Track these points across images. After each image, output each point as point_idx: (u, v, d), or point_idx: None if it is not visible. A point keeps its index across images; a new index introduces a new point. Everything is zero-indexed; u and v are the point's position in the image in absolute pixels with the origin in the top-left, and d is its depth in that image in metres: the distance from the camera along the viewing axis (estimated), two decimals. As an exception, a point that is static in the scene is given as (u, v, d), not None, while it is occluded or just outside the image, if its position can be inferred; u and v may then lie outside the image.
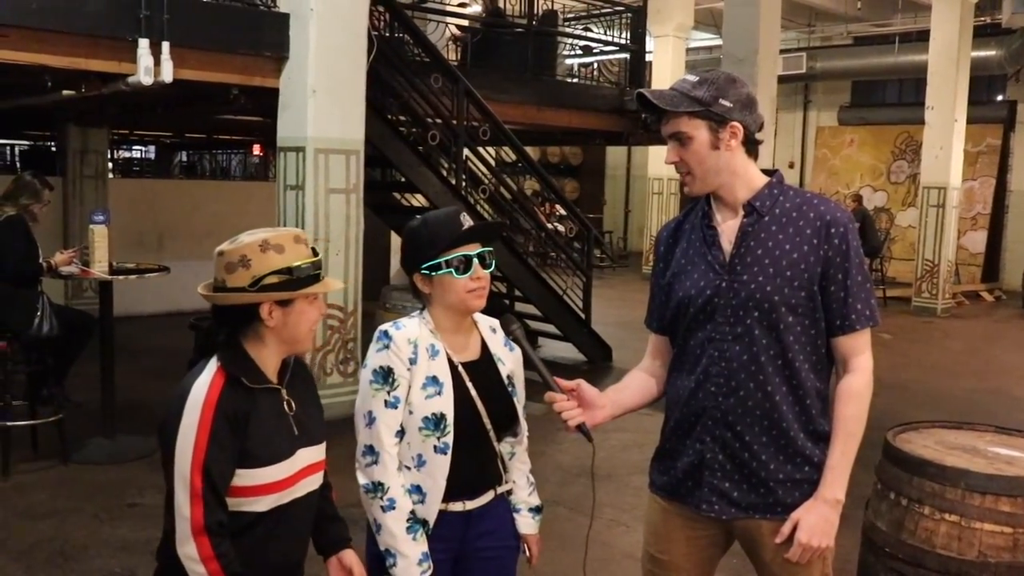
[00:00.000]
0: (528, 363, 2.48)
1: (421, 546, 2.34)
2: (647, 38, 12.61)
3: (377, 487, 2.34)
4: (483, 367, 2.47)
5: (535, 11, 10.75)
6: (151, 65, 6.03)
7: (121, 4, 5.98)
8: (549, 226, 10.24)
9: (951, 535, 2.90)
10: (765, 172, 2.41)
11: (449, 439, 2.35)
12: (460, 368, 2.41)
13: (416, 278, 2.44)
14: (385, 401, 2.35)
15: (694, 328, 2.40)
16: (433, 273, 2.38)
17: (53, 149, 16.85)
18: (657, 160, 16.63)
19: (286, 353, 2.20)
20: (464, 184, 8.55)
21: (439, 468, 2.35)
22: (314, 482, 2.24)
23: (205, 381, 2.05)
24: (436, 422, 2.35)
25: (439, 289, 2.40)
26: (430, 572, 2.34)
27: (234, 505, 2.06)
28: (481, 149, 9.12)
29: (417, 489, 2.37)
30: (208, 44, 6.54)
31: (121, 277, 6.05)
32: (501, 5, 11.02)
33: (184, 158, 26.44)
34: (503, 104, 9.43)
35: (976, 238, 17.00)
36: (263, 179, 20.79)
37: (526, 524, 2.59)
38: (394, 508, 2.33)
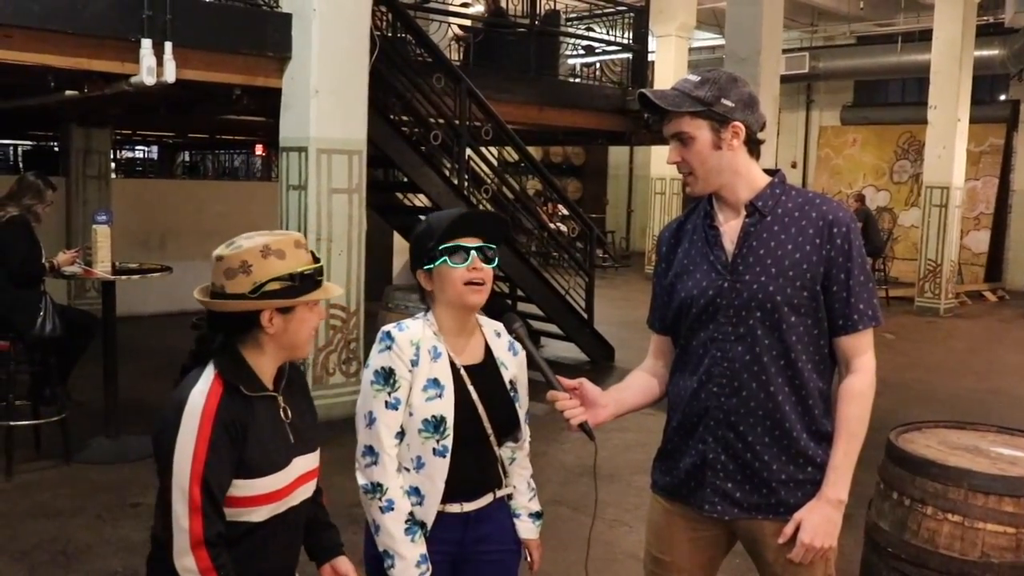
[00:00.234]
0: (531, 362, 2.48)
1: (419, 547, 2.34)
2: (649, 38, 12.61)
3: (376, 488, 2.34)
4: (486, 371, 2.46)
5: (537, 11, 10.75)
6: (154, 65, 6.03)
7: (124, 4, 5.99)
8: (552, 226, 10.24)
9: (954, 535, 2.90)
10: (767, 172, 2.41)
11: (448, 442, 2.35)
12: (462, 371, 2.41)
13: (420, 276, 2.44)
14: (386, 402, 2.35)
15: (696, 328, 2.40)
16: (433, 265, 2.38)
17: (56, 149, 16.85)
18: (659, 160, 16.63)
19: (284, 359, 2.17)
20: (466, 184, 8.55)
21: (438, 471, 2.35)
22: (308, 490, 2.22)
23: (203, 390, 2.01)
24: (436, 425, 2.34)
25: (439, 283, 2.39)
26: (428, 573, 2.33)
27: (232, 515, 2.03)
28: (483, 149, 9.12)
29: (416, 491, 2.37)
30: (211, 44, 6.54)
31: (124, 277, 6.05)
32: (503, 5, 11.02)
33: (187, 158, 26.44)
34: (505, 104, 9.43)
35: (979, 238, 16.99)
36: (266, 179, 20.82)
37: (526, 529, 2.58)
38: (393, 509, 2.33)
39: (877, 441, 2.82)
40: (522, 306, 9.45)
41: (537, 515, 2.60)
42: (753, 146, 2.36)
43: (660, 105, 2.30)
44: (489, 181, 9.09)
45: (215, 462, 1.96)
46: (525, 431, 2.54)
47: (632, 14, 11.91)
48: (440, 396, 2.36)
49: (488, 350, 2.50)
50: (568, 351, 9.31)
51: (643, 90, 2.38)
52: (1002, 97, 17.42)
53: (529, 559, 2.60)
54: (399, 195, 9.93)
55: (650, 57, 12.99)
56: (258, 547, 2.10)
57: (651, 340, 2.64)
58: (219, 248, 2.08)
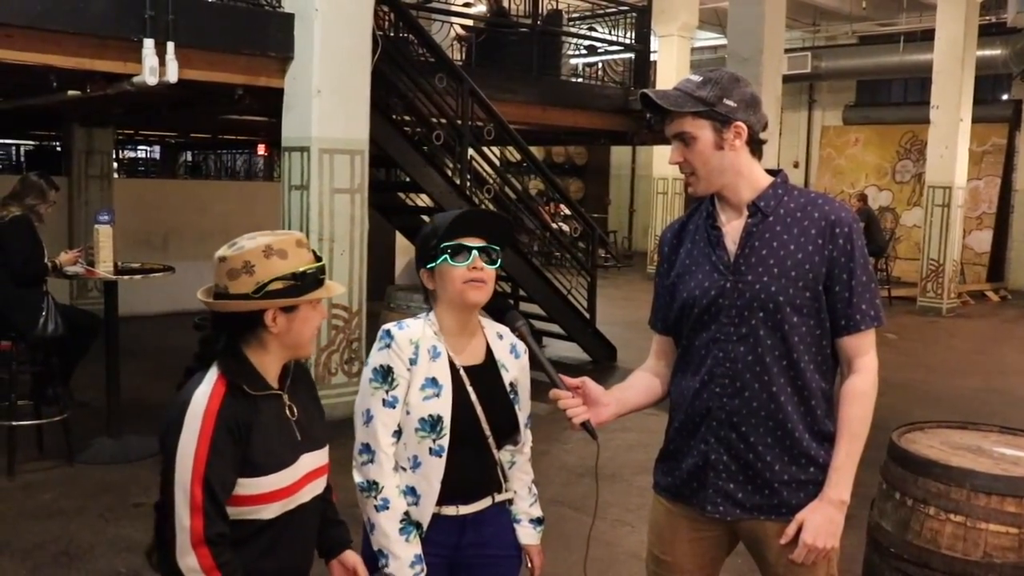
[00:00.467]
0: (534, 360, 2.47)
1: (414, 548, 2.33)
2: (651, 38, 12.61)
3: (372, 486, 2.34)
4: (486, 372, 2.45)
5: (539, 11, 10.75)
6: (156, 65, 6.04)
7: (126, 4, 5.99)
8: (554, 226, 10.25)
9: (956, 535, 2.89)
10: (769, 172, 2.40)
11: (445, 442, 2.34)
12: (462, 371, 2.40)
13: (423, 274, 2.44)
14: (383, 400, 2.35)
15: (699, 329, 2.39)
16: (435, 263, 2.38)
17: (58, 149, 16.86)
18: (662, 160, 16.64)
19: (288, 358, 2.18)
20: (469, 184, 8.56)
21: (434, 471, 2.34)
22: (318, 487, 2.23)
23: (205, 391, 2.02)
24: (432, 424, 2.34)
25: (440, 281, 2.39)
26: (423, 574, 2.33)
27: (241, 514, 2.04)
28: (486, 149, 9.12)
29: (412, 491, 2.37)
30: (213, 44, 6.54)
31: (126, 277, 6.06)
32: (506, 5, 11.02)
33: (189, 158, 26.46)
34: (508, 104, 9.43)
35: (981, 238, 16.98)
36: (268, 179, 20.83)
37: (527, 535, 2.56)
38: (388, 508, 2.33)
39: (879, 441, 2.82)
40: (524, 306, 9.44)
41: (538, 521, 2.58)
42: (755, 146, 2.36)
43: (662, 105, 2.30)
44: (491, 181, 9.09)
45: (217, 462, 1.97)
46: (526, 435, 2.53)
47: (634, 14, 11.91)
48: (438, 395, 2.35)
49: (489, 351, 2.49)
50: (570, 351, 9.31)
51: (645, 90, 2.38)
52: (1004, 97, 17.40)
53: (530, 565, 2.58)
54: (401, 195, 9.93)
55: (652, 57, 12.99)
56: (269, 545, 2.11)
57: (653, 340, 2.64)
58: (221, 249, 2.09)
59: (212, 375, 2.06)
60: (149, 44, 6.01)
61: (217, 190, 14.81)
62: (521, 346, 2.53)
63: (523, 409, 2.50)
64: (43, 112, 10.12)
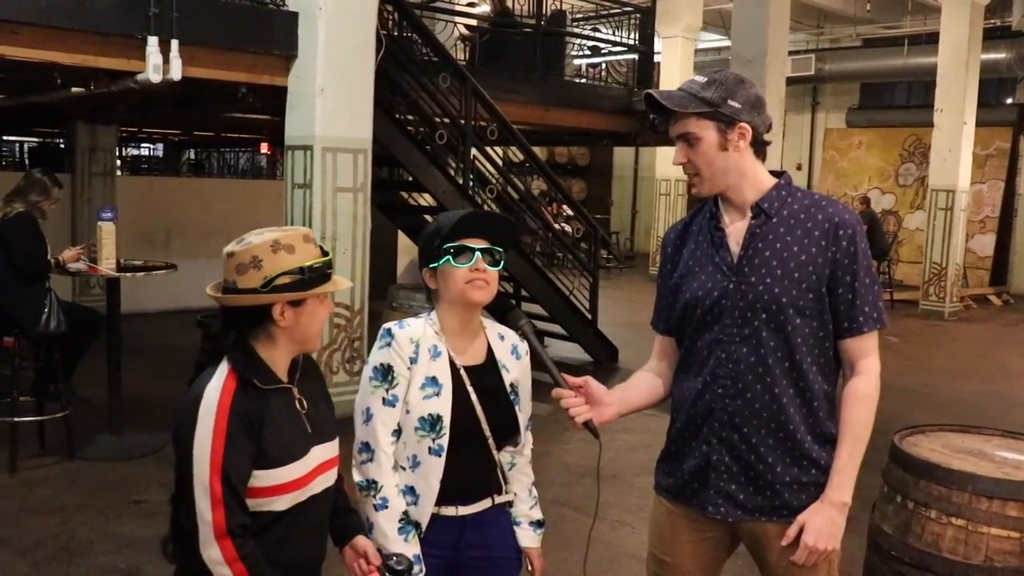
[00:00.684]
0: (537, 360, 2.46)
1: (413, 547, 2.33)
2: (655, 39, 12.61)
3: (371, 485, 2.34)
4: (486, 372, 2.45)
5: (543, 11, 10.75)
6: (160, 63, 6.04)
7: (131, 2, 5.99)
8: (556, 226, 10.25)
9: (958, 539, 2.89)
10: (773, 174, 2.40)
11: (444, 441, 2.34)
12: (462, 371, 2.40)
13: (425, 274, 2.44)
14: (383, 399, 2.35)
15: (701, 330, 2.39)
16: (437, 263, 2.38)
17: (62, 146, 16.88)
18: (665, 161, 16.65)
19: (296, 352, 2.20)
20: (471, 184, 8.56)
21: (433, 470, 2.34)
22: (330, 478, 2.25)
23: (217, 385, 2.05)
24: (432, 423, 2.34)
25: (442, 281, 2.39)
26: (422, 575, 2.32)
27: (254, 505, 2.07)
28: (488, 149, 9.12)
29: (411, 490, 2.37)
30: (217, 42, 6.55)
31: (128, 274, 6.07)
32: (510, 5, 11.02)
33: (192, 156, 26.45)
34: (511, 104, 9.43)
35: (984, 241, 16.96)
36: (271, 177, 20.83)
37: (527, 537, 2.55)
38: (387, 507, 2.33)
39: (881, 444, 2.82)
40: (526, 306, 9.44)
41: (538, 523, 2.58)
42: (759, 147, 2.36)
43: (667, 106, 2.30)
44: (494, 181, 9.09)
45: (233, 454, 2.00)
46: (526, 437, 2.53)
47: (638, 15, 11.91)
48: (438, 395, 2.35)
49: (490, 352, 2.49)
50: (572, 351, 9.31)
51: (650, 91, 2.38)
52: (1009, 100, 17.38)
53: (530, 568, 2.57)
54: (404, 194, 9.93)
55: (656, 58, 12.99)
56: (283, 536, 2.13)
57: (655, 341, 2.64)
58: (230, 245, 2.12)
59: (223, 370, 2.08)
60: (153, 42, 6.01)
61: (220, 188, 14.81)
62: (522, 347, 2.53)
63: (523, 410, 2.50)
64: (47, 109, 10.13)
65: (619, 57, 12.43)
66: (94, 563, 4.42)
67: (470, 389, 2.39)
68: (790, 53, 13.49)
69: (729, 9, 12.01)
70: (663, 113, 2.34)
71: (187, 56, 6.20)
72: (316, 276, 2.11)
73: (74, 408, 6.03)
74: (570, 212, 10.69)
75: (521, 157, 9.73)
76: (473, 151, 8.63)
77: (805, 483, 2.34)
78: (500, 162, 9.76)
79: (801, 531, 2.30)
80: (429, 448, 2.34)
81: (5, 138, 22.08)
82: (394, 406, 2.35)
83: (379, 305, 8.05)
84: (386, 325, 2.42)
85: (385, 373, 2.35)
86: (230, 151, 25.48)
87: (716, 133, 2.30)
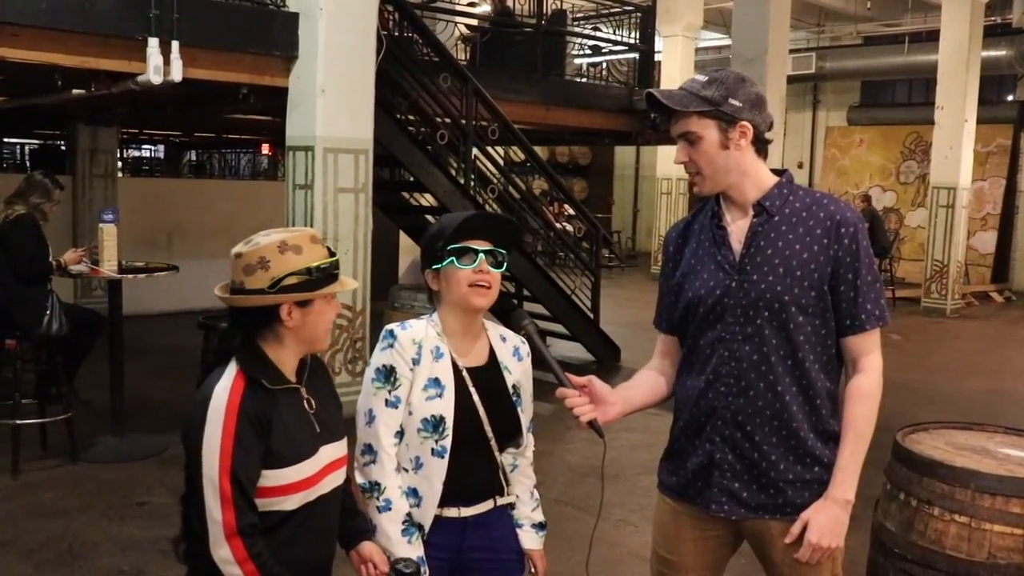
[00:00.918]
0: (540, 359, 2.46)
1: (416, 549, 2.33)
2: (656, 38, 12.60)
3: (374, 487, 2.34)
4: (488, 374, 2.45)
5: (544, 11, 10.75)
6: (161, 64, 6.04)
7: (131, 3, 6.00)
8: (558, 226, 10.25)
9: (961, 536, 2.89)
10: (774, 172, 2.40)
11: (447, 442, 2.34)
12: (464, 373, 2.40)
13: (428, 275, 2.44)
14: (386, 400, 2.35)
15: (704, 328, 2.39)
16: (440, 265, 2.38)
17: (63, 148, 16.88)
18: (666, 160, 16.64)
19: (304, 352, 2.21)
20: (473, 183, 8.56)
21: (436, 472, 2.34)
22: (338, 477, 2.26)
23: (226, 386, 2.06)
24: (435, 424, 2.34)
25: (445, 283, 2.39)
26: None
27: (264, 505, 2.08)
28: (490, 148, 9.12)
29: (414, 492, 2.37)
30: (218, 43, 6.55)
31: (130, 276, 6.07)
32: (510, 5, 11.02)
33: (193, 157, 26.47)
34: (512, 104, 9.43)
35: (986, 238, 16.96)
36: (272, 178, 20.83)
37: (529, 539, 2.55)
38: (390, 509, 2.33)
39: (883, 442, 2.82)
40: (528, 306, 9.44)
41: (540, 525, 2.58)
42: (760, 146, 2.36)
43: (668, 105, 2.30)
44: (495, 181, 9.09)
45: (242, 454, 2.01)
46: (528, 439, 2.53)
47: (639, 14, 11.92)
48: (440, 396, 2.35)
49: (492, 353, 2.49)
50: (574, 351, 9.31)
51: (651, 90, 2.39)
52: (1009, 98, 17.38)
53: (533, 570, 2.57)
54: (405, 194, 9.93)
55: (657, 57, 12.99)
56: (292, 535, 2.14)
57: (657, 340, 2.64)
58: (237, 246, 2.13)
59: (231, 370, 2.09)
60: (154, 43, 6.02)
61: (221, 189, 14.82)
62: (524, 349, 2.53)
63: (525, 412, 2.50)
64: (48, 111, 10.14)
65: (620, 56, 12.43)
66: (97, 565, 4.42)
67: (472, 390, 2.39)
68: (791, 51, 13.47)
69: (730, 8, 12.00)
70: (664, 112, 2.34)
71: (188, 57, 6.20)
72: (323, 276, 2.12)
73: (76, 410, 6.03)
74: (571, 211, 10.68)
75: (522, 157, 9.74)
76: (474, 151, 8.63)
77: (808, 480, 2.34)
78: (501, 162, 9.76)
79: (805, 529, 2.30)
80: (432, 449, 2.34)
81: (6, 140, 22.10)
82: (396, 407, 2.35)
83: (381, 306, 8.05)
84: (388, 327, 2.42)
85: (387, 374, 2.35)
86: (231, 152, 25.51)
87: (717, 132, 2.30)
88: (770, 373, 2.31)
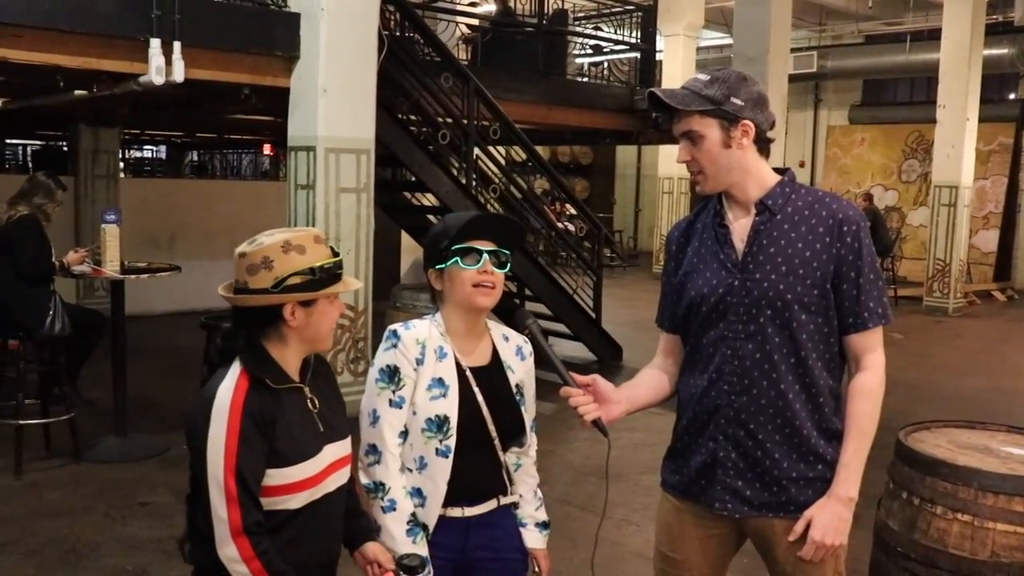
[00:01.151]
0: (544, 358, 2.46)
1: (421, 549, 2.33)
2: (657, 37, 12.60)
3: (378, 487, 2.34)
4: (492, 373, 2.45)
5: (545, 10, 10.75)
6: (162, 65, 6.04)
7: (133, 4, 6.00)
8: (559, 225, 10.25)
9: (964, 535, 2.89)
10: (776, 171, 2.41)
11: (451, 442, 2.34)
12: (468, 372, 2.40)
13: (431, 275, 2.44)
14: (390, 400, 2.35)
15: (706, 327, 2.40)
16: (444, 265, 2.38)
17: (65, 149, 16.91)
18: (667, 159, 16.63)
19: (307, 352, 2.22)
20: (474, 183, 8.56)
21: (440, 472, 2.35)
22: (342, 477, 2.26)
23: (229, 385, 2.07)
24: (439, 424, 2.34)
25: (449, 283, 2.39)
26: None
27: (269, 504, 2.09)
28: (491, 148, 9.12)
29: (418, 492, 2.37)
30: (219, 44, 6.55)
31: (132, 276, 6.07)
32: (511, 4, 11.02)
33: (195, 158, 26.50)
34: (513, 103, 9.43)
35: (988, 237, 16.95)
36: (274, 179, 20.85)
37: (533, 539, 2.55)
38: (395, 509, 2.33)
39: (886, 441, 2.82)
40: (530, 305, 9.44)
41: (544, 525, 2.58)
42: (762, 145, 2.36)
43: (670, 104, 2.30)
44: (497, 180, 9.09)
45: (247, 453, 2.02)
46: (531, 438, 2.53)
47: (640, 13, 11.91)
48: (444, 396, 2.35)
49: (495, 353, 2.49)
50: (576, 350, 9.31)
51: (653, 89, 2.38)
52: (1011, 96, 17.37)
53: (537, 569, 2.57)
54: (407, 194, 9.94)
55: (658, 56, 12.99)
56: (297, 534, 2.15)
57: (660, 339, 2.64)
58: (241, 245, 2.14)
59: (235, 370, 2.10)
60: (155, 44, 6.02)
61: (223, 190, 14.83)
62: (527, 348, 2.53)
63: (528, 411, 2.50)
64: (50, 112, 10.15)
65: (621, 56, 12.42)
66: (100, 565, 4.42)
67: (476, 390, 2.39)
68: (792, 50, 13.47)
69: (731, 7, 12.00)
70: (666, 111, 2.34)
71: (189, 58, 6.20)
72: (327, 276, 2.12)
73: (79, 410, 6.04)
74: (573, 211, 10.68)
75: (524, 156, 9.73)
76: (476, 151, 8.63)
77: (811, 478, 2.34)
78: (503, 161, 9.76)
79: (808, 526, 2.30)
80: (436, 449, 2.34)
81: (8, 141, 22.14)
82: (400, 407, 2.35)
83: (383, 305, 8.05)
84: (391, 327, 2.42)
85: (391, 374, 2.36)
86: (233, 153, 25.54)
87: (719, 131, 2.30)
88: (773, 371, 2.31)
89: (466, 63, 9.73)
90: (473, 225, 2.36)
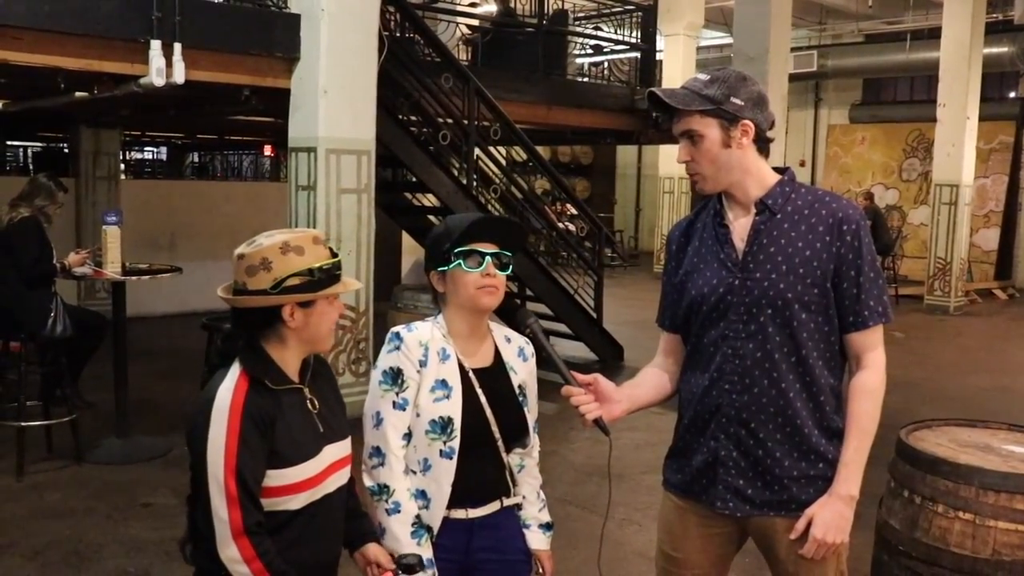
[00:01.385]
0: (545, 357, 2.47)
1: (425, 551, 2.33)
2: (657, 37, 12.60)
3: (383, 489, 2.34)
4: (494, 375, 2.45)
5: (545, 10, 10.75)
6: (163, 66, 6.05)
7: (133, 6, 6.01)
8: (560, 225, 10.25)
9: (965, 533, 2.89)
10: (776, 170, 2.41)
11: (455, 444, 2.34)
12: (471, 374, 2.41)
13: (433, 277, 2.44)
14: (393, 402, 2.35)
15: (707, 326, 2.40)
16: (447, 267, 2.38)
17: (65, 151, 16.92)
18: (668, 159, 16.64)
19: (307, 353, 2.22)
20: (475, 184, 8.56)
21: (444, 473, 2.35)
22: (342, 477, 2.27)
23: (229, 386, 2.07)
24: (443, 426, 2.34)
25: (451, 285, 2.39)
26: None
27: (269, 505, 2.09)
28: (492, 149, 9.12)
29: (422, 494, 2.37)
30: (220, 45, 6.55)
31: (133, 278, 6.08)
32: (512, 5, 11.02)
33: (196, 159, 26.51)
34: (514, 103, 9.43)
35: (989, 235, 16.94)
36: (275, 180, 20.86)
37: (537, 540, 2.55)
38: (399, 511, 2.33)
39: (887, 439, 2.82)
40: (531, 305, 9.44)
41: (547, 526, 2.58)
42: (762, 144, 2.36)
43: (670, 104, 2.31)
44: (498, 181, 9.09)
45: (247, 454, 2.02)
46: (534, 439, 2.53)
47: (640, 13, 11.90)
48: (448, 397, 2.36)
49: (498, 354, 2.50)
50: (577, 350, 9.31)
51: (653, 89, 2.39)
52: (1011, 94, 17.36)
53: (540, 570, 2.57)
54: (408, 195, 9.94)
55: (658, 56, 12.99)
56: (298, 535, 2.15)
57: (660, 338, 2.64)
58: (240, 247, 2.14)
59: (235, 371, 2.10)
60: (156, 45, 6.03)
61: (224, 191, 14.83)
62: (529, 349, 2.54)
63: (531, 412, 2.51)
64: (51, 114, 10.15)
65: (621, 55, 12.42)
66: (102, 567, 4.43)
67: (479, 391, 2.39)
68: (792, 50, 13.46)
69: (731, 6, 12.00)
70: (666, 111, 2.35)
71: (190, 59, 6.20)
72: (325, 277, 2.12)
73: (81, 412, 6.05)
74: (574, 211, 10.68)
75: (524, 157, 9.73)
76: (476, 151, 8.63)
77: (813, 477, 2.34)
78: (503, 162, 9.77)
79: (810, 525, 2.30)
80: (440, 451, 2.34)
81: (9, 143, 22.13)
82: (404, 409, 2.35)
83: (384, 306, 8.06)
84: (394, 329, 2.42)
85: (395, 377, 2.36)
86: (233, 154, 25.54)
87: (719, 130, 2.30)
88: (774, 370, 2.32)
89: (466, 63, 9.74)
90: (475, 227, 2.36)
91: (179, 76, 6.13)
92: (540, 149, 10.96)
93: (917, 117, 17.52)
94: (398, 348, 2.37)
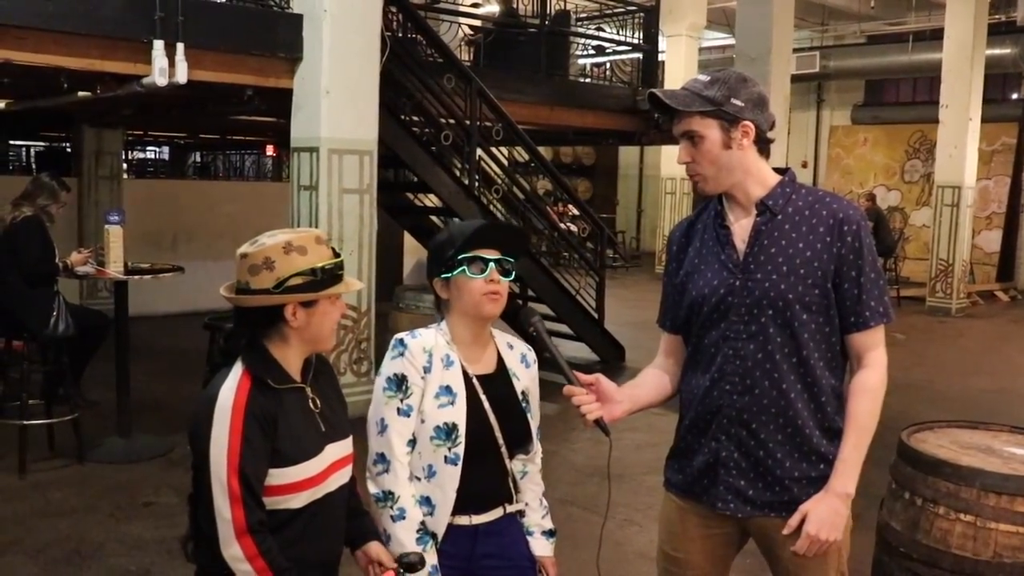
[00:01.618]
0: (547, 358, 2.47)
1: (431, 558, 2.33)
2: (659, 38, 12.60)
3: (387, 496, 2.34)
4: (498, 381, 2.46)
5: (548, 11, 10.75)
6: (166, 66, 6.06)
7: (136, 6, 6.02)
8: (562, 226, 10.25)
9: (966, 535, 2.89)
10: (776, 171, 2.41)
11: (460, 450, 2.35)
12: (475, 380, 2.41)
13: (436, 284, 2.44)
14: (398, 409, 2.36)
15: (708, 327, 2.40)
16: (450, 274, 2.38)
17: (68, 150, 16.92)
18: (670, 160, 16.62)
19: (309, 352, 2.23)
20: (477, 184, 8.56)
21: (449, 479, 2.35)
22: (344, 476, 2.28)
23: (232, 385, 2.08)
24: (448, 432, 2.34)
25: (455, 292, 2.40)
26: None
27: (270, 504, 2.10)
28: (494, 149, 9.12)
29: (427, 501, 2.37)
30: (222, 45, 6.56)
31: (136, 277, 6.08)
32: (514, 5, 11.03)
33: (198, 159, 26.51)
34: (516, 104, 9.44)
35: (991, 237, 16.93)
36: (277, 179, 20.87)
37: (540, 546, 2.56)
38: (404, 518, 2.33)
39: (888, 441, 2.82)
40: (533, 306, 9.44)
41: (551, 532, 2.58)
42: (763, 145, 2.37)
43: (670, 105, 2.31)
44: (500, 181, 9.09)
45: (249, 453, 2.03)
46: (537, 445, 2.54)
47: (642, 14, 11.91)
48: (452, 403, 2.36)
49: (500, 361, 2.50)
50: (579, 351, 9.31)
51: (654, 90, 2.39)
52: (1014, 96, 17.35)
53: None
54: (410, 195, 9.95)
55: (660, 57, 12.99)
56: (300, 533, 2.16)
57: (661, 339, 2.64)
58: (243, 246, 2.15)
59: (237, 370, 2.11)
60: (159, 45, 6.03)
61: (226, 191, 14.85)
62: (531, 355, 2.55)
63: (534, 418, 2.51)
64: (53, 113, 10.16)
65: (623, 56, 12.43)
66: (104, 565, 4.43)
67: (483, 398, 2.40)
68: (795, 51, 13.45)
69: (733, 7, 12.00)
70: (667, 112, 2.35)
71: (193, 59, 6.21)
72: (328, 277, 2.13)
73: (83, 411, 6.05)
74: (576, 212, 10.68)
75: (526, 157, 9.74)
76: (478, 151, 8.63)
77: (814, 478, 2.34)
78: (505, 162, 9.77)
79: (803, 521, 2.30)
80: (445, 457, 2.35)
81: (12, 142, 22.16)
82: (408, 416, 2.36)
83: (386, 306, 8.06)
84: (398, 335, 2.43)
85: (399, 383, 2.36)
86: (236, 154, 25.54)
87: (720, 131, 2.30)
88: (775, 371, 2.32)
89: (469, 64, 9.74)
90: (479, 234, 2.37)
91: (182, 76, 6.14)
92: (542, 150, 10.96)
93: (919, 118, 17.50)
94: (402, 354, 2.38)
